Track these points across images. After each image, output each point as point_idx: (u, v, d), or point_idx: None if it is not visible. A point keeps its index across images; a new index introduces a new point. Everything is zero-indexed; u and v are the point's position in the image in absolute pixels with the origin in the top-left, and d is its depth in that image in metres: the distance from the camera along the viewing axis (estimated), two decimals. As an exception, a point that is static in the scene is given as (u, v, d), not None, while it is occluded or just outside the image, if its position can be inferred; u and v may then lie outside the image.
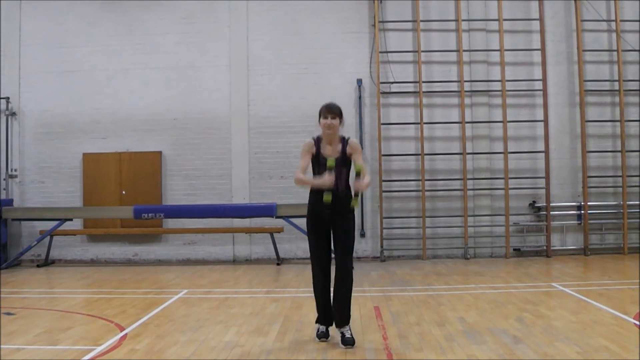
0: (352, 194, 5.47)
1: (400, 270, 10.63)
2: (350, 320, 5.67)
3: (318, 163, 5.59)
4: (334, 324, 5.68)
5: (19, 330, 6.33)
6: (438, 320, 6.52)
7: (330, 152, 5.57)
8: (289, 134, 12.22)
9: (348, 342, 5.44)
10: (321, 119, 5.58)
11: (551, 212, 12.07)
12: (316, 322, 5.82)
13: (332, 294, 5.68)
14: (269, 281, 9.80)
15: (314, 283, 5.74)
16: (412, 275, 9.99)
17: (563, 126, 12.30)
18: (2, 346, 5.60)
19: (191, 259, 12.37)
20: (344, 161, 5.58)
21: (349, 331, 5.55)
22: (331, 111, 5.55)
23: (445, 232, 12.12)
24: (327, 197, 5.33)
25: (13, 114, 12.62)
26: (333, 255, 5.70)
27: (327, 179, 5.30)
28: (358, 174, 5.34)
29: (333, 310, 5.65)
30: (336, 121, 5.55)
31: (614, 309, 6.80)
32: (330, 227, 5.62)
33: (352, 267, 5.68)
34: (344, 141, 5.63)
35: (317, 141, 5.66)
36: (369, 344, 5.61)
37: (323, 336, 5.68)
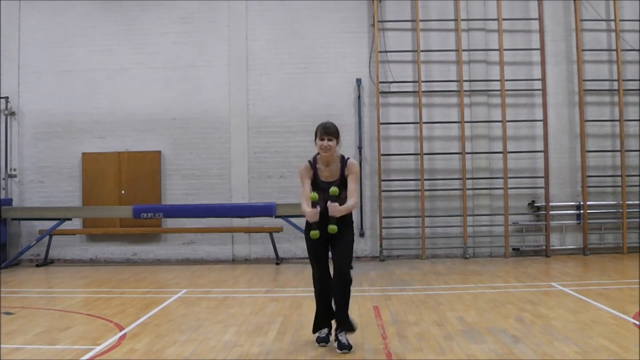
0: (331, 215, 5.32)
1: (400, 269, 10.64)
2: (355, 325, 5.61)
3: (317, 186, 5.48)
4: (334, 327, 5.60)
5: (18, 329, 6.33)
6: (437, 319, 6.53)
7: (328, 174, 5.47)
8: (288, 134, 12.21)
9: (344, 347, 5.34)
10: (317, 140, 5.45)
11: (550, 212, 12.07)
12: (313, 331, 5.68)
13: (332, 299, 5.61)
14: (268, 281, 9.80)
15: (313, 285, 5.69)
16: (411, 275, 9.99)
17: (562, 126, 12.31)
18: (1, 345, 5.60)
19: (190, 259, 12.36)
20: (343, 183, 5.45)
21: (344, 336, 5.43)
22: (327, 132, 5.40)
23: (445, 231, 12.13)
24: (313, 234, 5.31)
25: (12, 113, 12.61)
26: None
27: (310, 214, 5.26)
28: (333, 196, 5.27)
29: (335, 315, 5.58)
30: (333, 143, 5.40)
31: (613, 308, 6.80)
32: (329, 238, 5.49)
33: (350, 280, 5.56)
34: (343, 161, 5.51)
35: (314, 163, 5.54)
36: (368, 343, 5.61)
37: (322, 341, 5.58)
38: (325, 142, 5.39)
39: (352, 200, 5.37)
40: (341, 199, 5.36)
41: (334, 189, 5.30)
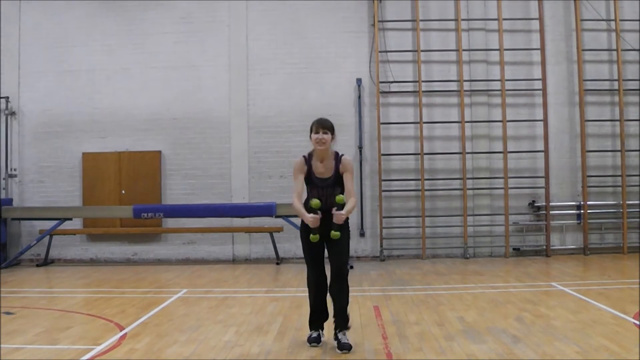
0: (335, 221, 5.28)
1: (400, 269, 10.63)
2: (350, 322, 5.61)
3: (311, 182, 5.47)
4: (333, 327, 5.55)
5: (18, 329, 6.33)
6: (437, 319, 6.53)
7: (323, 170, 5.46)
8: (288, 134, 12.21)
9: (344, 347, 5.31)
10: (312, 134, 5.45)
11: (551, 212, 12.07)
12: (310, 328, 5.67)
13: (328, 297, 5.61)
14: (269, 281, 9.80)
15: (307, 283, 5.69)
16: (412, 275, 9.99)
17: (562, 125, 12.31)
18: (1, 345, 5.60)
19: (190, 259, 12.37)
20: (337, 179, 5.46)
21: (345, 336, 5.42)
22: (323, 126, 5.42)
23: (445, 231, 12.12)
24: (314, 237, 5.30)
25: (12, 113, 12.61)
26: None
27: (310, 220, 5.25)
28: (339, 204, 5.28)
29: (334, 314, 5.55)
30: (328, 136, 5.42)
31: (613, 308, 6.80)
32: (325, 236, 5.42)
33: (347, 275, 5.54)
34: (337, 158, 5.51)
35: (309, 158, 5.53)
36: (368, 343, 5.61)
37: (314, 341, 5.53)
38: (321, 135, 5.39)
39: (351, 202, 5.39)
40: (336, 193, 5.35)
41: (340, 197, 5.30)
